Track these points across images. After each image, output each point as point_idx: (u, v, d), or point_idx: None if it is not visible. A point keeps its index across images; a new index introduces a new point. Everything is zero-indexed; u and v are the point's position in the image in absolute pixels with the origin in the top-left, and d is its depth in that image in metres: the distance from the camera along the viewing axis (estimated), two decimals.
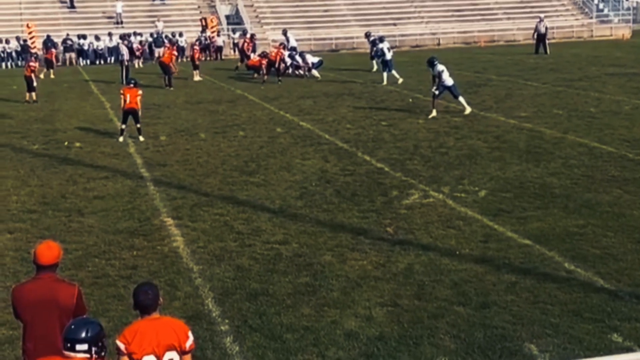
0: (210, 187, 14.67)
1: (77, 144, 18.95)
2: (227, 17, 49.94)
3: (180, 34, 45.41)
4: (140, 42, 43.38)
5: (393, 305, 8.96)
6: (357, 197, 13.61)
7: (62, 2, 48.66)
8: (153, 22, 47.07)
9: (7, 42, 43.63)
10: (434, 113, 21.63)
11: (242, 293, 9.44)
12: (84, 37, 44.45)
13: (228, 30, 48.35)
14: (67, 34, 44.15)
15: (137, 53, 41.39)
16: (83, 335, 5.02)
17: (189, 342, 5.61)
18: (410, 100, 25.15)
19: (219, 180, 15.13)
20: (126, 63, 32.74)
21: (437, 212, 12.59)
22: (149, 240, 11.52)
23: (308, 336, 8.21)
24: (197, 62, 33.56)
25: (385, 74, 30.06)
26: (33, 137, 20.16)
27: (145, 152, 17.96)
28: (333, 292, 9.36)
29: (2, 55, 43.68)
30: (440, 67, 21.80)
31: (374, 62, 34.33)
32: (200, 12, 49.54)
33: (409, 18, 51.81)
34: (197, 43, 42.01)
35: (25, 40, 43.24)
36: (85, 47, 44.50)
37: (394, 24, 50.25)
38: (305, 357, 7.76)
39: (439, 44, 49.98)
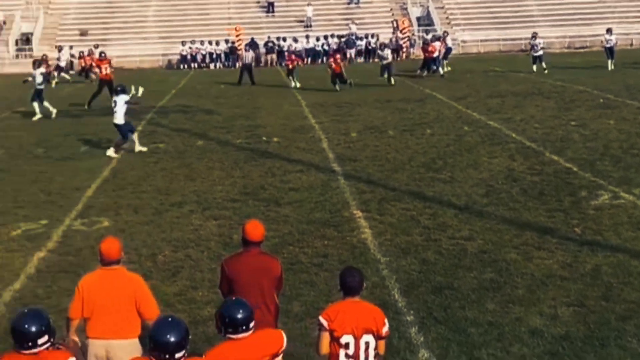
0: (397, 182, 14.67)
1: (275, 139, 19.54)
2: (418, 18, 49.78)
3: (373, 36, 45.82)
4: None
5: (579, 305, 8.58)
6: (544, 197, 13.14)
7: (262, 7, 50.39)
8: (347, 24, 47.74)
9: (217, 44, 45.77)
10: None
11: (427, 286, 9.37)
12: (284, 39, 45.83)
13: (419, 31, 48.20)
14: (269, 37, 45.68)
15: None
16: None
17: (385, 328, 5.68)
18: (601, 100, 23.99)
19: (407, 176, 15.10)
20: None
21: (627, 213, 11.94)
22: (339, 231, 11.68)
23: (492, 331, 8.02)
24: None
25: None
26: (237, 132, 20.98)
27: (337, 147, 18.23)
28: (518, 290, 9.10)
29: (212, 56, 45.84)
30: None
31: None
32: (393, 14, 49.69)
33: (600, 18, 49.44)
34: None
35: (233, 42, 45.16)
36: (285, 49, 45.85)
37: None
38: (489, 352, 7.58)
39: (631, 44, 47.34)
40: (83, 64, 39.51)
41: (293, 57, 33.44)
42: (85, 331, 6.29)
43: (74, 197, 14.27)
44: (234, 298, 5.48)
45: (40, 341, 4.78)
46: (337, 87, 29.82)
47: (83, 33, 47.91)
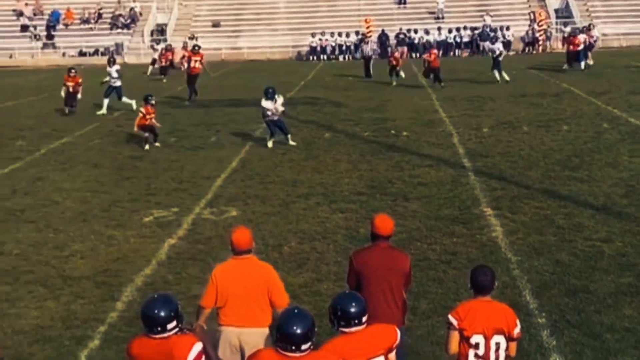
0: (531, 179, 14.33)
1: (404, 133, 19.46)
2: (557, 10, 48.35)
3: (507, 28, 44.90)
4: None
5: None
6: None
7: None
8: (480, 16, 46.96)
9: (347, 35, 46.02)
10: None
11: (561, 288, 9.12)
12: (415, 31, 45.55)
13: (557, 24, 46.85)
14: (400, 28, 45.54)
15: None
16: None
17: (517, 329, 5.58)
18: None
19: (541, 174, 14.72)
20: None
21: None
22: (468, 229, 11.53)
23: (629, 338, 7.73)
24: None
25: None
26: (365, 124, 21.03)
27: (468, 142, 17.98)
28: None
29: (341, 48, 46.10)
30: None
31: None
32: (530, 6, 48.48)
33: None
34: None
35: (362, 34, 45.29)
36: (416, 41, 45.58)
37: None
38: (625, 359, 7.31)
39: None
40: (164, 62, 36.84)
41: (428, 52, 31.73)
42: (216, 319, 6.46)
43: (203, 186, 14.71)
44: (347, 292, 5.50)
45: (169, 326, 4.95)
46: (394, 81, 29.86)
47: (215, 25, 49.26)
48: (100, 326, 8.55)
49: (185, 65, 28.97)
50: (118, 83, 24.54)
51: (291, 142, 18.26)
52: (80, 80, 24.51)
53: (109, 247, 11.31)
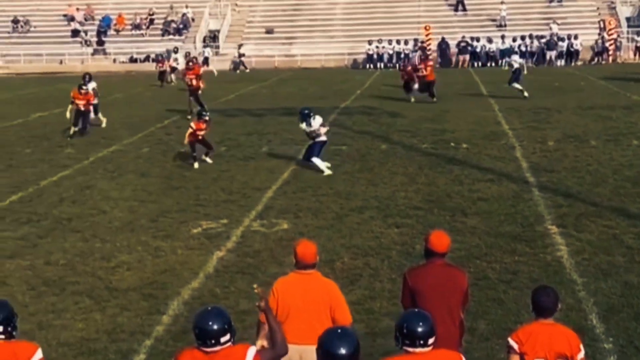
0: (599, 197, 14.09)
1: (464, 145, 19.33)
2: (628, 19, 47.63)
3: (575, 37, 44.39)
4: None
5: None
6: None
7: (451, 5, 50.04)
8: (546, 24, 46.49)
9: (406, 43, 45.96)
10: None
11: (629, 312, 8.93)
12: (477, 39, 45.31)
13: (628, 33, 46.13)
14: (463, 36, 45.31)
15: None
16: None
17: (581, 354, 5.47)
18: None
19: (609, 191, 14.47)
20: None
21: None
22: (531, 247, 11.38)
23: None
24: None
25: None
26: (422, 136, 20.95)
27: (532, 156, 17.77)
28: None
29: (399, 56, 46.03)
30: None
31: None
32: (599, 14, 47.85)
33: None
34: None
35: (422, 42, 45.25)
36: (478, 50, 45.32)
37: None
38: None
39: None
40: (161, 67, 38.24)
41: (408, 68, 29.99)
42: None
43: (254, 197, 14.80)
44: (417, 310, 5.41)
45: (223, 339, 4.98)
46: (412, 97, 28.46)
47: (269, 31, 49.68)
48: (146, 340, 8.64)
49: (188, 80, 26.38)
50: (95, 101, 22.92)
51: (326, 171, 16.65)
52: (92, 99, 22.72)
53: (156, 259, 11.44)
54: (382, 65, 45.81)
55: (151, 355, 8.28)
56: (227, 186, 15.85)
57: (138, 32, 50.93)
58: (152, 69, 42.61)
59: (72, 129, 21.84)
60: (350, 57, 47.52)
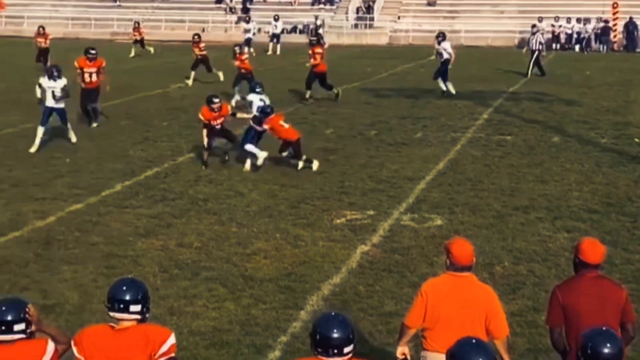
0: None
1: None
2: None
3: None
4: None
5: None
6: None
7: None
8: None
9: (587, 22, 44.70)
10: None
11: None
12: None
13: None
14: None
15: None
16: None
17: None
18: None
19: None
20: None
21: None
22: None
23: None
24: None
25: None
26: (602, 129, 20.40)
27: None
28: None
29: (579, 36, 44.72)
30: None
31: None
32: None
33: None
34: None
35: (606, 22, 43.97)
36: None
37: None
38: None
39: None
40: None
41: None
42: (421, 342, 6.49)
43: (405, 188, 14.84)
44: (604, 328, 5.05)
45: (346, 350, 5.07)
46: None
47: (431, 3, 49.45)
48: (282, 336, 8.86)
49: None
50: (61, 105, 18.48)
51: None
52: (104, 64, 20.89)
53: (295, 249, 11.67)
54: (559, 46, 44.70)
55: (287, 352, 8.47)
56: (375, 174, 15.95)
57: (286, 0, 51.78)
58: (300, 40, 43.21)
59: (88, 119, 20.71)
60: (521, 35, 46.56)
